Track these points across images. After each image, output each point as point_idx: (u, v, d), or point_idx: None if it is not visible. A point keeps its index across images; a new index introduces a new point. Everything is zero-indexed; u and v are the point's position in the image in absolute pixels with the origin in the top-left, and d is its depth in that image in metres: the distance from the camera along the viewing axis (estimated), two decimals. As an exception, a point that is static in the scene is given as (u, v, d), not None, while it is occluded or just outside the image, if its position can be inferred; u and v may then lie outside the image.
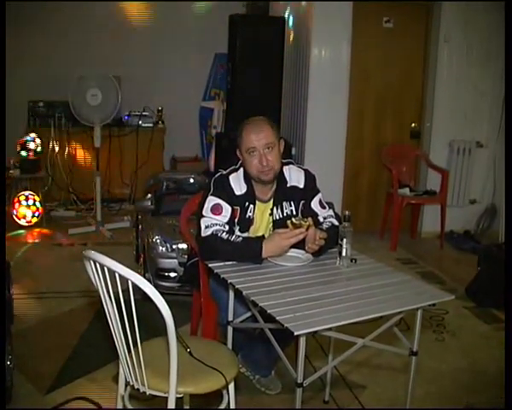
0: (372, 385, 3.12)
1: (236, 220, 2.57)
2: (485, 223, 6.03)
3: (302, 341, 1.95)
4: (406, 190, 5.58)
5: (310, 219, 2.45)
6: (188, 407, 2.46)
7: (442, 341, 3.70)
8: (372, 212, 5.94)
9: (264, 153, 2.53)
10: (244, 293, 2.14)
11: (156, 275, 4.01)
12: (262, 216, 2.66)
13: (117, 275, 1.85)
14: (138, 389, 2.05)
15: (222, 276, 2.29)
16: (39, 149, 5.85)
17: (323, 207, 2.70)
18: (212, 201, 2.53)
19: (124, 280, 1.84)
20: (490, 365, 3.37)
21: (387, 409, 2.87)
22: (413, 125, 5.93)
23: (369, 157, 5.88)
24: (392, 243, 5.49)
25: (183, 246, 3.95)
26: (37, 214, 5.69)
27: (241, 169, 2.64)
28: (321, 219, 2.65)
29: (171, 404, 1.97)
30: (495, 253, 4.31)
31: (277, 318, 1.91)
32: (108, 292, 1.94)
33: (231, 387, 2.15)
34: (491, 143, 5.90)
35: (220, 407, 2.18)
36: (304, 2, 5.75)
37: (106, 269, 1.88)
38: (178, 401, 2.02)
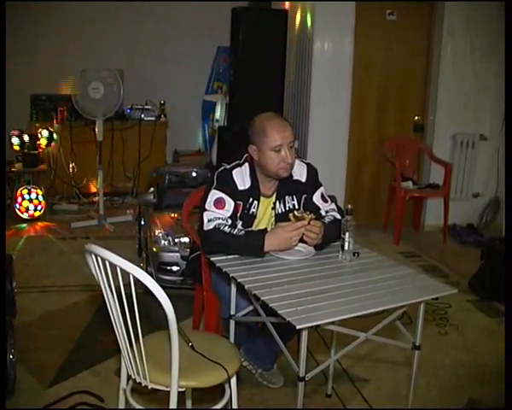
0: (375, 379, 3.11)
1: (239, 215, 2.57)
2: (489, 216, 6.02)
3: (304, 335, 1.94)
4: (409, 184, 5.57)
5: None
6: (190, 401, 2.47)
7: (445, 334, 3.70)
8: (375, 205, 5.93)
9: (288, 150, 2.52)
10: (246, 287, 2.14)
11: (158, 269, 4.01)
12: (265, 210, 2.66)
13: (118, 269, 1.84)
14: (140, 383, 2.05)
15: (224, 270, 2.28)
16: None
17: (325, 201, 2.69)
18: (215, 194, 2.52)
19: (125, 274, 1.83)
20: (492, 358, 3.36)
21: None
22: (416, 118, 5.91)
23: (372, 150, 5.86)
24: (395, 237, 5.48)
25: (186, 240, 3.95)
26: (39, 208, 5.70)
27: (246, 164, 2.62)
28: (323, 213, 2.64)
29: (173, 398, 1.97)
30: (498, 246, 4.29)
31: (279, 312, 1.91)
32: (110, 286, 1.94)
33: (233, 381, 2.15)
34: (495, 136, 5.87)
35: (222, 401, 2.18)
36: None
37: (107, 263, 1.87)
38: (180, 394, 2.02)
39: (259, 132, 2.54)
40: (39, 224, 5.64)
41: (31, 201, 5.66)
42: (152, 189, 4.63)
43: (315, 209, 2.63)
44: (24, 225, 5.58)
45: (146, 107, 6.63)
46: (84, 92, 5.38)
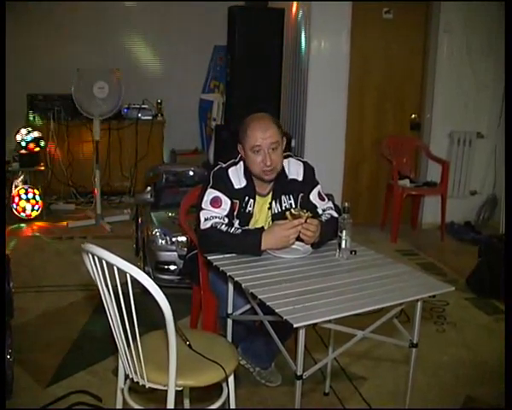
0: (372, 377, 3.12)
1: (236, 214, 2.56)
2: (486, 214, 6.02)
3: (301, 333, 1.94)
4: (406, 182, 5.57)
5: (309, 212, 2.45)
6: (188, 400, 2.46)
7: (442, 332, 3.70)
8: (372, 204, 5.93)
9: (268, 152, 2.50)
10: (243, 285, 2.14)
11: (156, 268, 4.01)
12: (261, 210, 2.65)
13: (115, 268, 1.84)
14: (138, 383, 2.05)
15: (221, 268, 2.28)
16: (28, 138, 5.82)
17: (322, 200, 2.69)
18: (211, 193, 2.52)
19: (123, 273, 1.83)
20: (490, 356, 3.37)
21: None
22: (413, 116, 5.91)
23: (370, 149, 5.86)
24: (392, 235, 5.48)
25: (183, 239, 3.94)
26: (36, 208, 5.70)
27: (241, 163, 2.62)
28: (320, 212, 2.64)
29: (171, 397, 1.96)
30: (495, 244, 4.30)
31: (277, 310, 1.90)
32: (107, 285, 1.93)
33: (231, 379, 2.15)
34: (492, 134, 5.88)
35: (220, 400, 2.18)
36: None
37: (104, 262, 1.87)
38: (178, 394, 2.01)
39: (243, 132, 2.55)
40: (36, 224, 5.63)
41: (28, 201, 5.65)
42: (149, 188, 4.63)
43: (312, 208, 2.62)
44: (21, 225, 5.57)
45: (143, 106, 6.62)
46: (89, 92, 5.37)
